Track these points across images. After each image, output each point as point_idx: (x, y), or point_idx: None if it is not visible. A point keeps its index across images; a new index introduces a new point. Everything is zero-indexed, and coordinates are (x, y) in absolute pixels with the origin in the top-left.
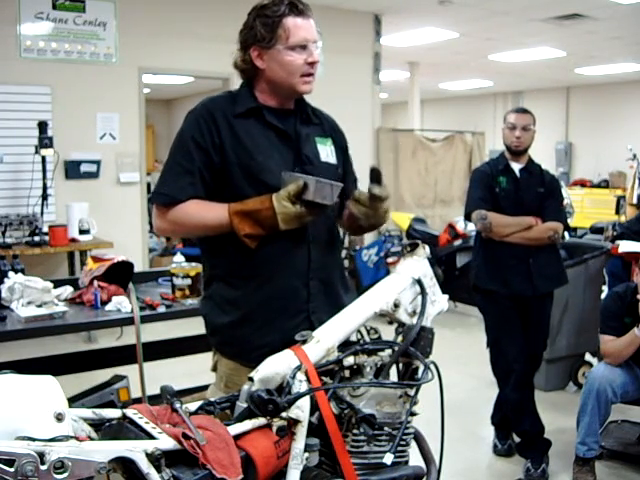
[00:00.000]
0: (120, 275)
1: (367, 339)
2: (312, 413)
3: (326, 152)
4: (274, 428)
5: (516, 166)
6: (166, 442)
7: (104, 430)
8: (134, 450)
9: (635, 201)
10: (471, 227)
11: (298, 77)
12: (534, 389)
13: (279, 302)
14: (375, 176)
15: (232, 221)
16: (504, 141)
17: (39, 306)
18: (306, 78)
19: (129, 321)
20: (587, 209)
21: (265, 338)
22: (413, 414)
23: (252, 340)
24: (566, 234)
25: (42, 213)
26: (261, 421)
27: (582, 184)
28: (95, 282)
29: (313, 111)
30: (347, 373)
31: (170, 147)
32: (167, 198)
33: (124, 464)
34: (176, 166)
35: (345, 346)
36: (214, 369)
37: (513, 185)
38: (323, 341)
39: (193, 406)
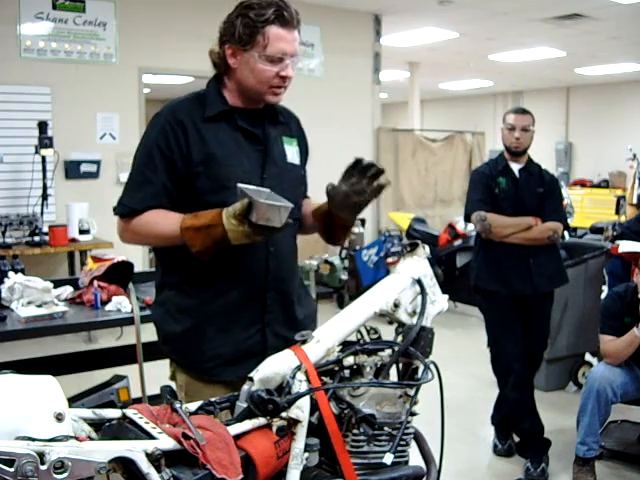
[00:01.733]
0: (120, 275)
1: (367, 339)
2: (312, 413)
3: (292, 152)
4: (274, 428)
5: (515, 166)
6: (166, 442)
7: (104, 430)
8: (134, 450)
9: (635, 201)
10: (471, 227)
11: (267, 87)
12: (534, 389)
13: (233, 313)
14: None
15: (183, 236)
16: (503, 142)
17: (39, 306)
18: (275, 89)
19: (129, 321)
20: (587, 209)
21: (218, 349)
22: (413, 414)
23: (204, 350)
24: (566, 234)
25: (42, 213)
26: (261, 421)
27: (582, 184)
28: (95, 282)
29: (279, 110)
30: (347, 373)
31: (135, 151)
32: (126, 209)
33: (124, 464)
34: (139, 175)
35: (345, 346)
36: (172, 378)
37: (512, 185)
38: (323, 341)
39: (193, 406)
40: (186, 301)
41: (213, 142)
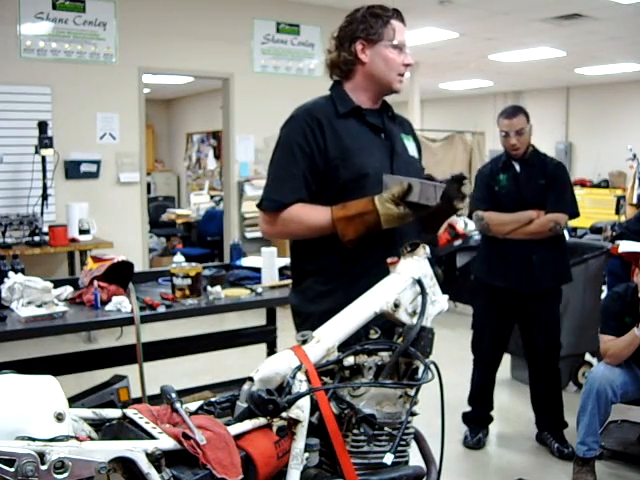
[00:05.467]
0: (120, 275)
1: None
2: (312, 413)
3: (411, 147)
4: (274, 428)
5: (517, 161)
6: (166, 442)
7: (104, 430)
8: (134, 450)
9: (635, 201)
10: (472, 227)
11: (395, 75)
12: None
13: None
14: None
15: (337, 227)
16: (502, 145)
17: (39, 306)
18: (400, 77)
19: (129, 321)
20: (587, 209)
21: None
22: (413, 414)
23: None
24: (566, 233)
25: (42, 213)
26: (261, 421)
27: (582, 184)
28: (95, 282)
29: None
30: (347, 373)
31: (273, 153)
32: (276, 204)
33: (124, 464)
34: (282, 171)
35: (345, 346)
36: None
37: (513, 181)
38: (323, 341)
39: (193, 406)
40: (324, 287)
41: (347, 136)
